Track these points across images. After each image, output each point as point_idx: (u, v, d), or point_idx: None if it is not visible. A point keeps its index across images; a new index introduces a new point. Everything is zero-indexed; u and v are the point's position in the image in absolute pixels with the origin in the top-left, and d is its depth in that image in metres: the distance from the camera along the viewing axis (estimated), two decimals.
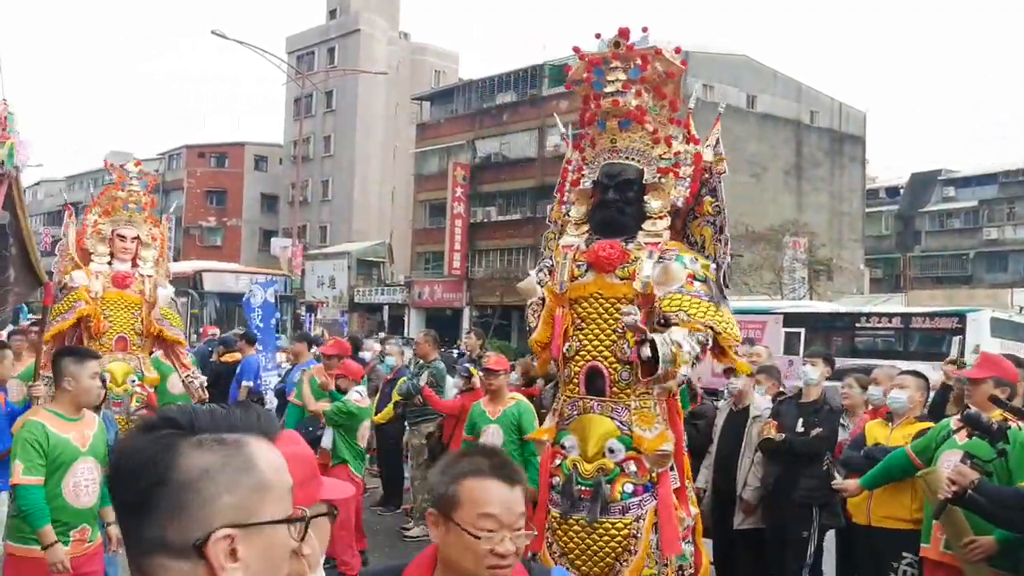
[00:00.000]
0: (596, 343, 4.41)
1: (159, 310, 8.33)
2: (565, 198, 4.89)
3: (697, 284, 4.28)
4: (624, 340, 4.30)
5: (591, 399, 4.37)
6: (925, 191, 50.85)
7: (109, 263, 8.48)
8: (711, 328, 4.16)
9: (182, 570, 1.12)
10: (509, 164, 38.73)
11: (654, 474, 4.24)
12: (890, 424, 5.27)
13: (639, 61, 4.46)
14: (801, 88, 40.14)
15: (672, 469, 4.31)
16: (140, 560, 1.14)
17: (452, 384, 8.83)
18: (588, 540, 4.21)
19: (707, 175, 4.60)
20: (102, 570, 4.60)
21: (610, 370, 4.33)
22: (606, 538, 4.18)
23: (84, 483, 4.23)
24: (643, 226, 4.50)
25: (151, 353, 8.90)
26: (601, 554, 4.18)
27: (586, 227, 4.67)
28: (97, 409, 6.49)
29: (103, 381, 6.55)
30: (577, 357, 4.44)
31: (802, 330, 20.26)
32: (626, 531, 4.17)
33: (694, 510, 4.43)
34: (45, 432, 4.13)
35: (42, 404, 5.00)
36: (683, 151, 4.58)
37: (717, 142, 4.68)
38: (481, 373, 6.92)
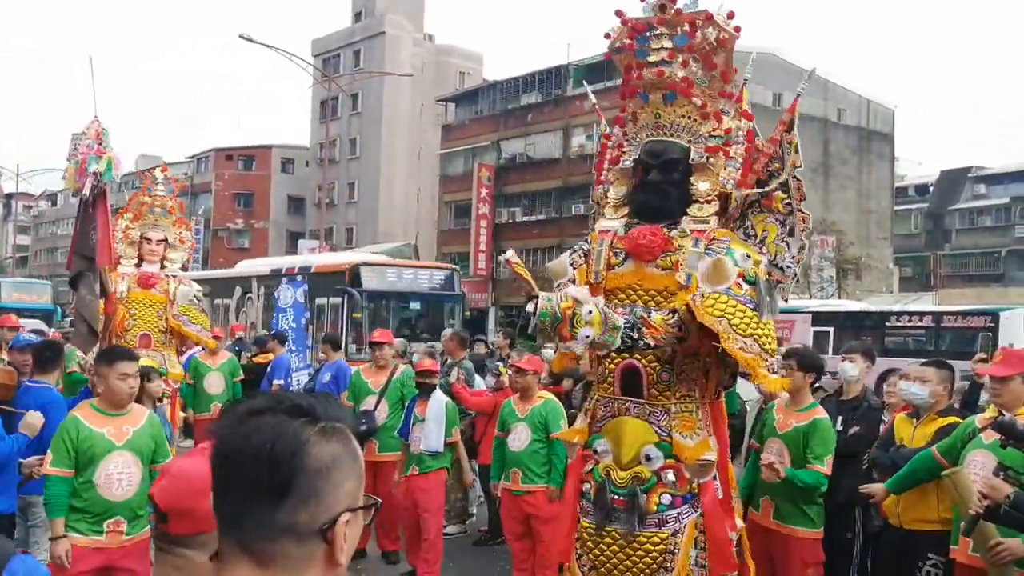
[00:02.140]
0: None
1: (177, 307, 8.58)
2: (603, 177, 4.45)
3: (745, 287, 3.80)
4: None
5: (627, 400, 3.97)
6: (955, 188, 50.25)
7: (137, 265, 8.78)
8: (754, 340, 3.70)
9: (303, 554, 1.18)
10: (534, 165, 38.74)
11: (694, 485, 3.88)
12: (914, 421, 5.07)
13: (687, 27, 3.98)
14: (828, 85, 39.79)
15: (715, 479, 3.94)
16: (260, 544, 1.18)
17: (480, 383, 8.87)
18: (621, 554, 3.86)
19: (778, 165, 4.13)
20: (146, 569, 4.54)
21: (648, 369, 3.92)
22: (640, 553, 3.83)
23: (118, 476, 4.35)
24: (688, 210, 4.06)
25: (179, 351, 9.17)
26: (635, 570, 3.84)
27: (625, 210, 4.23)
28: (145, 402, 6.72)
29: (146, 377, 6.74)
30: (612, 354, 3.98)
31: (831, 329, 20.10)
32: (662, 546, 3.81)
33: (740, 523, 4.03)
34: (77, 427, 4.34)
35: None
36: (734, 128, 4.14)
37: (792, 126, 4.14)
38: (510, 371, 6.85)
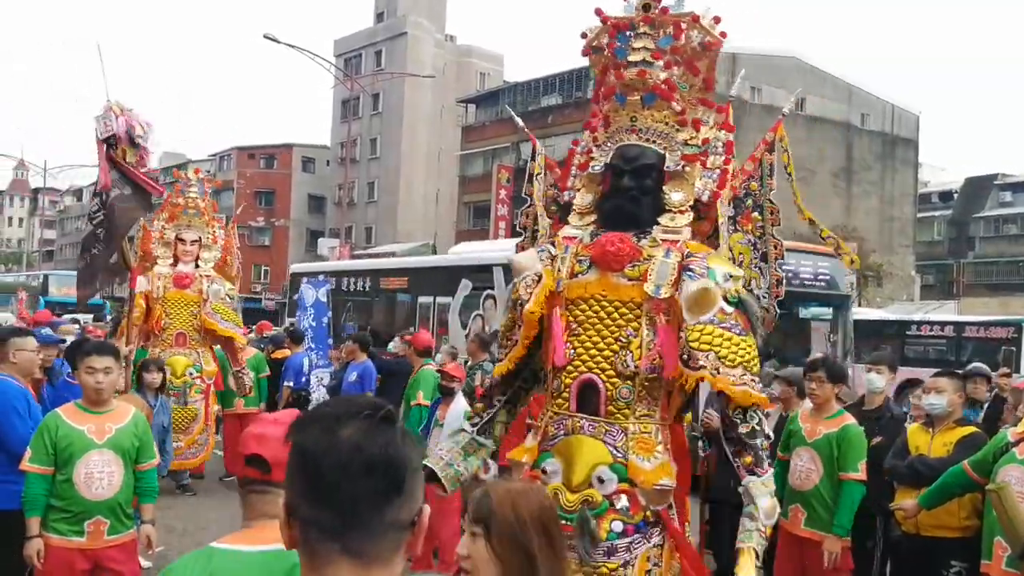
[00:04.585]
0: (593, 352, 3.74)
1: (210, 305, 8.85)
2: (569, 184, 4.26)
3: (729, 309, 3.62)
4: (628, 351, 3.66)
5: (582, 418, 3.71)
6: (980, 196, 49.78)
7: (172, 265, 9.03)
8: (745, 372, 3.54)
9: (397, 546, 1.30)
10: None
11: (649, 512, 3.58)
12: (930, 430, 5.08)
13: (671, 28, 3.82)
14: (852, 90, 39.56)
15: (671, 508, 3.66)
16: (366, 546, 1.27)
17: None
18: None
19: (756, 185, 4.00)
20: (134, 569, 4.51)
21: (607, 385, 3.68)
22: None
23: (98, 475, 4.21)
24: (660, 220, 3.85)
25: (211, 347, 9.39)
26: None
27: (592, 218, 4.02)
28: (158, 391, 6.82)
29: (144, 369, 6.86)
30: (569, 367, 3.77)
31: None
32: None
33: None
34: (57, 423, 4.22)
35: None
36: (713, 138, 3.96)
37: (773, 147, 4.00)
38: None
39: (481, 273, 14.59)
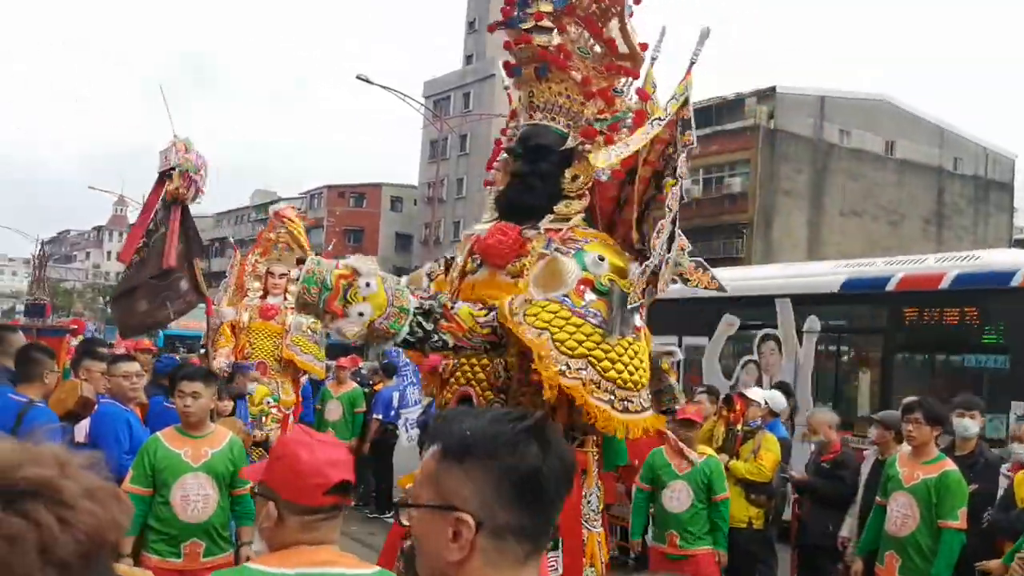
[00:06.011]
0: (473, 362, 3.41)
1: (290, 337, 9.17)
2: (491, 176, 3.82)
3: (590, 297, 3.14)
4: (500, 361, 3.28)
5: None
6: None
7: (262, 297, 9.45)
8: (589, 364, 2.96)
9: None
10: None
11: None
12: None
13: None
14: (944, 133, 38.71)
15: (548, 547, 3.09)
16: (541, 546, 1.36)
17: None
18: None
19: (671, 148, 3.31)
20: None
21: (480, 399, 3.33)
22: None
23: (193, 497, 4.29)
24: (555, 207, 3.42)
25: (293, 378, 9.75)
26: None
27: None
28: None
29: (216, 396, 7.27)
30: (451, 380, 3.49)
31: None
32: None
33: None
34: (156, 446, 4.35)
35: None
36: (624, 109, 3.48)
37: (686, 102, 3.23)
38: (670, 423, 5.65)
39: (754, 307, 10.96)
